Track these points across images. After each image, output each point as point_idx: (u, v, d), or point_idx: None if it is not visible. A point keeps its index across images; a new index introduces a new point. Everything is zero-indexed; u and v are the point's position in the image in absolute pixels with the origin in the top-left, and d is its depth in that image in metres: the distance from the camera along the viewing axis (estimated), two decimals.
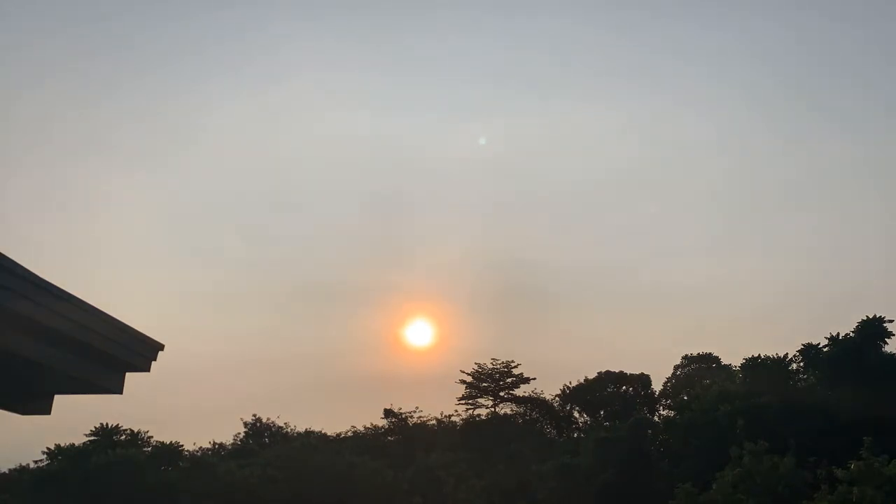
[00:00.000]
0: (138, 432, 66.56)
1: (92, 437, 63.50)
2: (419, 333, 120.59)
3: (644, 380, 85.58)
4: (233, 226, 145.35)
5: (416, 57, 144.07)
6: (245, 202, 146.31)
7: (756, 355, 58.23)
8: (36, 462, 63.98)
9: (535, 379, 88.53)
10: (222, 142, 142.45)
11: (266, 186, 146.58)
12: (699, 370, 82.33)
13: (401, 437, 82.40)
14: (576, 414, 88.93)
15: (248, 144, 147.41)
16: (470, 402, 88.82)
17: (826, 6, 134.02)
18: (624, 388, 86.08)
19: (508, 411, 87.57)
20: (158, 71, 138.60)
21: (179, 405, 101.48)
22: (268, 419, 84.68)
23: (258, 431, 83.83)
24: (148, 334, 7.30)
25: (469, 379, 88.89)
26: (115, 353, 6.94)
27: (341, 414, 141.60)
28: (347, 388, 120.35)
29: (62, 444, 60.10)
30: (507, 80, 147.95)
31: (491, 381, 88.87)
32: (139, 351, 7.24)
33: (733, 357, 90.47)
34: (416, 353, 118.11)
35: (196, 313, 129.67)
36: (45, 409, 7.73)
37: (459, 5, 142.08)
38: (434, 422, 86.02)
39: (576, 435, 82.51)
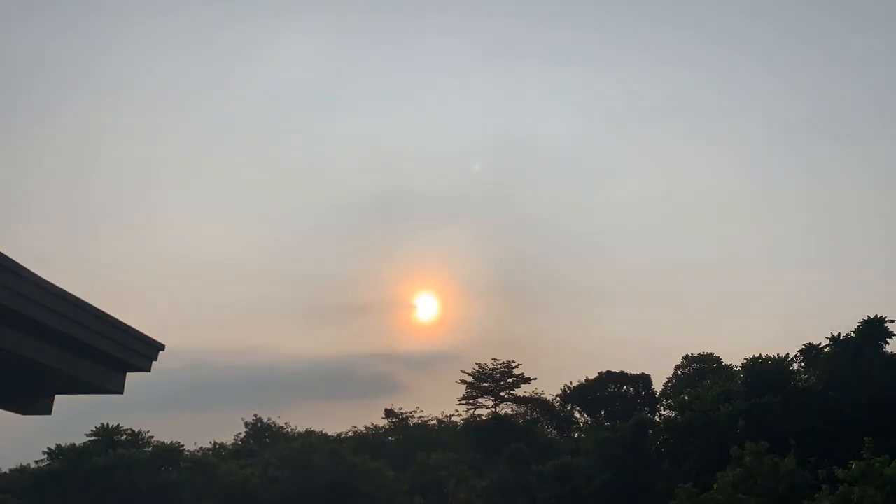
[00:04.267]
0: (139, 432, 66.45)
1: (92, 437, 63.39)
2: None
3: (645, 380, 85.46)
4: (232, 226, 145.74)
5: None
6: (246, 202, 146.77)
7: (756, 355, 58.12)
8: (36, 462, 63.91)
9: (535, 379, 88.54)
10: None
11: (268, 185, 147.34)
12: (700, 370, 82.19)
13: (401, 437, 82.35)
14: (576, 414, 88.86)
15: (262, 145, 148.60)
16: (471, 402, 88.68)
17: None
18: (624, 388, 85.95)
19: (509, 411, 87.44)
20: None
21: None
22: (268, 419, 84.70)
23: (258, 431, 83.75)
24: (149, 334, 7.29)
25: (470, 379, 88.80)
26: (115, 353, 6.92)
27: (342, 413, 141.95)
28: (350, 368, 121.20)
29: (62, 444, 60.01)
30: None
31: (491, 381, 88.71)
32: (139, 351, 7.22)
33: (734, 357, 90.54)
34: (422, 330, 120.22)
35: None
36: (45, 409, 7.71)
37: None
38: (435, 422, 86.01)
39: (576, 435, 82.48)
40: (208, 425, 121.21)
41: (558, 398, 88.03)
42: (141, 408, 70.63)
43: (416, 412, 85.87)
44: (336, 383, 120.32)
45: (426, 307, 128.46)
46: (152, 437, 66.90)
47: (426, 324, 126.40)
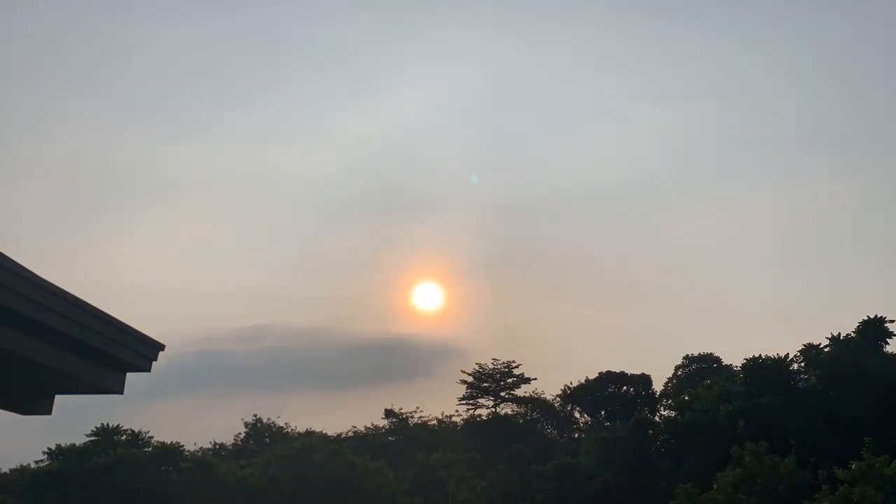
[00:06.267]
0: (139, 432, 66.40)
1: (92, 438, 63.35)
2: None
3: (645, 380, 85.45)
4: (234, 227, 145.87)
5: None
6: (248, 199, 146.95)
7: (756, 355, 58.13)
8: (36, 462, 63.87)
9: (535, 379, 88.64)
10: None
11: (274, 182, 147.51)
12: (700, 370, 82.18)
13: (401, 437, 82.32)
14: (576, 414, 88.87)
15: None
16: (471, 402, 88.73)
17: None
18: (625, 388, 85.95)
19: (509, 411, 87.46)
20: None
21: None
22: (268, 419, 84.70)
23: (258, 432, 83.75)
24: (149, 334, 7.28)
25: (470, 379, 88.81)
26: (115, 353, 6.92)
27: (343, 411, 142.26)
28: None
29: (62, 444, 59.96)
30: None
31: (492, 381, 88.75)
32: (139, 351, 7.22)
33: (734, 357, 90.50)
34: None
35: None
36: (46, 409, 7.71)
37: None
38: (435, 422, 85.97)
39: (576, 435, 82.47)
40: (214, 410, 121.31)
41: (558, 398, 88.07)
42: (143, 397, 70.66)
43: (416, 412, 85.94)
44: (338, 372, 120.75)
45: (428, 296, 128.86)
46: (152, 437, 66.89)
47: (427, 312, 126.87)
